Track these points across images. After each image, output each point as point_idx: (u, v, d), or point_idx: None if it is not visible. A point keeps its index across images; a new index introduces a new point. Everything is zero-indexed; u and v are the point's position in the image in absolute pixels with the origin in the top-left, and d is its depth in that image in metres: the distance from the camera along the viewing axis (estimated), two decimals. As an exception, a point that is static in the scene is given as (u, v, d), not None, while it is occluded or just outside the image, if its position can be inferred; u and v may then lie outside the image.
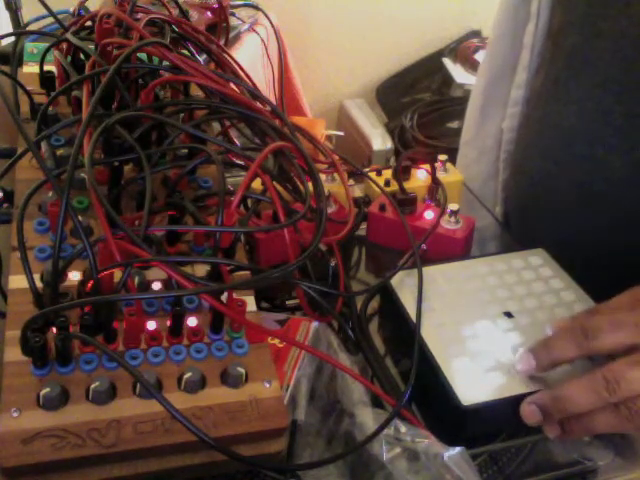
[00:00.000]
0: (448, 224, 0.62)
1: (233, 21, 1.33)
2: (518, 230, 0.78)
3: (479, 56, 2.01)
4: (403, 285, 0.55)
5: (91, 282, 0.42)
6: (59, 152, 0.53)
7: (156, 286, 0.47)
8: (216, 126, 0.65)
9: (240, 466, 0.43)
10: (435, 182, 0.66)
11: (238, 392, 0.42)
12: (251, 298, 0.49)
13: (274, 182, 0.50)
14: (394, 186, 0.66)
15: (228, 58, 0.63)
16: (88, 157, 0.43)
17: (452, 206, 0.62)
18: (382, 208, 0.64)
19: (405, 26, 2.13)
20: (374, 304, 0.58)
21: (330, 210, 0.62)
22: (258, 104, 0.56)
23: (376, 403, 0.47)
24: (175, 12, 0.71)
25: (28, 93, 0.60)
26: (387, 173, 0.69)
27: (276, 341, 0.49)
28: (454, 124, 1.87)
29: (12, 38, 0.80)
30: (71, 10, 0.70)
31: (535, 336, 0.51)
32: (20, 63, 0.68)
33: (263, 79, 1.42)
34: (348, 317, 0.55)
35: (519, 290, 0.55)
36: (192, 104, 0.57)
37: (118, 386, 0.41)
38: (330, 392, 0.48)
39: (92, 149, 0.44)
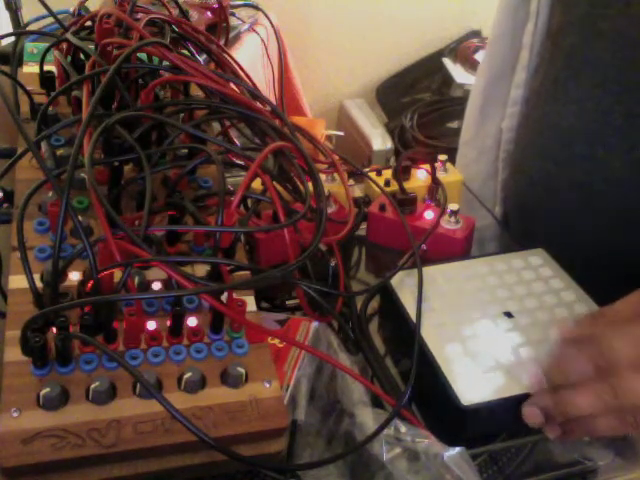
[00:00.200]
0: (448, 224, 0.62)
1: (233, 21, 1.33)
2: (517, 230, 0.78)
3: (479, 56, 2.01)
4: (403, 285, 0.55)
5: (91, 282, 0.42)
6: (59, 152, 0.53)
7: (156, 286, 0.47)
8: (216, 126, 0.65)
9: (240, 466, 0.43)
10: (435, 182, 0.66)
11: (238, 392, 0.42)
12: (251, 298, 0.49)
13: (274, 182, 0.50)
14: (394, 186, 0.66)
15: (228, 58, 0.63)
16: (88, 157, 0.43)
17: (452, 206, 0.62)
18: (382, 208, 0.64)
19: (405, 26, 2.13)
20: (374, 304, 0.58)
21: (330, 210, 0.62)
22: (258, 104, 0.56)
23: (376, 403, 0.47)
24: (175, 12, 0.71)
25: (28, 93, 0.60)
26: (387, 173, 0.69)
27: (276, 341, 0.49)
28: (454, 124, 1.87)
29: (12, 38, 0.80)
30: (71, 10, 0.70)
31: (535, 336, 0.51)
32: (20, 63, 0.68)
33: (263, 79, 1.42)
34: (348, 317, 0.55)
35: (519, 290, 0.55)
36: (192, 104, 0.57)
37: (118, 386, 0.41)
38: (330, 392, 0.48)
39: (92, 149, 0.44)
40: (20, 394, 0.40)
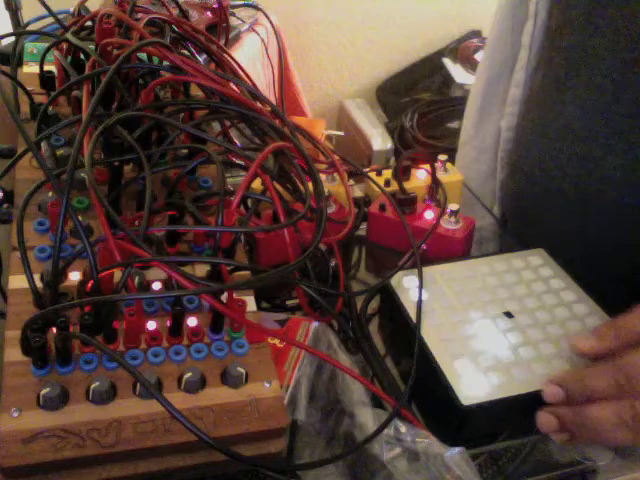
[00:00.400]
0: (448, 224, 0.62)
1: (233, 21, 1.33)
2: (515, 229, 0.78)
3: (479, 56, 2.01)
4: (403, 285, 0.55)
5: (91, 282, 0.42)
6: (59, 152, 0.53)
7: (156, 286, 0.47)
8: (216, 126, 0.65)
9: (240, 466, 0.43)
10: (435, 182, 0.66)
11: (238, 392, 0.42)
12: (251, 298, 0.49)
13: (274, 182, 0.50)
14: (394, 186, 0.66)
15: (228, 58, 0.63)
16: (88, 157, 0.43)
17: (452, 206, 0.62)
18: (382, 208, 0.64)
19: (405, 26, 2.13)
20: (374, 304, 0.58)
21: (330, 210, 0.62)
22: (258, 104, 0.56)
23: (376, 403, 0.47)
24: (175, 12, 0.71)
25: (28, 93, 0.60)
26: (387, 173, 0.69)
27: (276, 341, 0.49)
28: (454, 124, 1.87)
29: (12, 38, 0.80)
30: (71, 10, 0.70)
31: (535, 336, 0.51)
32: (20, 63, 0.68)
33: (263, 79, 1.42)
34: (348, 317, 0.55)
35: (519, 290, 0.55)
36: (192, 104, 0.57)
37: (118, 386, 0.41)
38: (330, 392, 0.48)
39: (92, 149, 0.44)
40: (20, 394, 0.40)
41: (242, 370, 0.43)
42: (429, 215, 0.64)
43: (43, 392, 0.39)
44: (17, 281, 0.45)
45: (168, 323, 0.44)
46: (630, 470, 0.46)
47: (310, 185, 0.51)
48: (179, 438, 0.39)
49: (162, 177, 0.55)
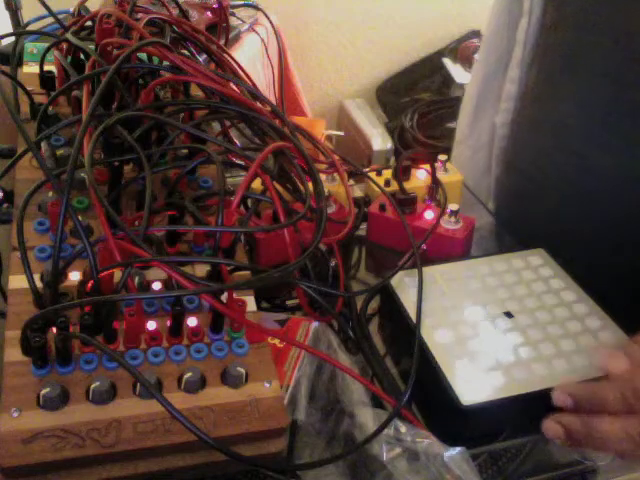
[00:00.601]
0: (448, 224, 0.62)
1: (233, 21, 1.33)
2: (509, 226, 0.78)
3: (479, 56, 2.01)
4: (403, 285, 0.55)
5: (91, 282, 0.42)
6: (59, 152, 0.53)
7: (156, 286, 0.47)
8: (216, 126, 0.65)
9: (240, 466, 0.43)
10: (435, 182, 0.66)
11: (238, 392, 0.42)
12: (251, 298, 0.49)
13: (274, 182, 0.50)
14: (394, 186, 0.66)
15: (228, 58, 0.63)
16: (88, 157, 0.43)
17: (452, 206, 0.62)
18: (382, 208, 0.64)
19: (405, 26, 2.13)
20: (374, 304, 0.58)
21: (330, 210, 0.62)
22: (258, 104, 0.56)
23: (376, 403, 0.47)
24: (175, 12, 0.71)
25: (28, 93, 0.60)
26: (387, 173, 0.69)
27: (276, 341, 0.49)
28: (454, 124, 1.87)
29: (12, 38, 0.80)
30: (71, 10, 0.70)
31: (535, 336, 0.51)
32: (20, 63, 0.68)
33: (263, 79, 1.42)
34: (348, 317, 0.55)
35: (519, 290, 0.55)
36: (192, 104, 0.57)
37: (118, 386, 0.41)
38: (330, 392, 0.48)
39: (92, 149, 0.44)
40: (20, 394, 0.40)
41: (242, 370, 0.43)
42: (429, 215, 0.64)
43: (43, 392, 0.39)
44: (17, 281, 0.45)
45: (168, 323, 0.44)
46: (630, 470, 0.46)
47: (310, 185, 0.51)
48: (179, 438, 0.39)
49: (162, 177, 0.55)
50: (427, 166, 0.67)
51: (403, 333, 0.53)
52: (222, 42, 0.76)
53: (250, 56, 1.37)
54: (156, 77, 0.57)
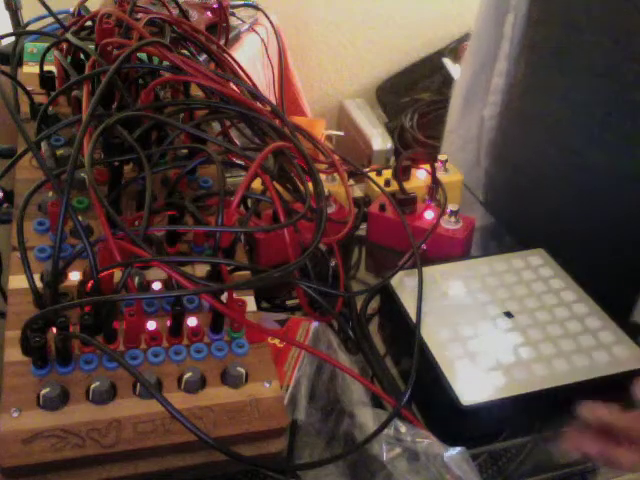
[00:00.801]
0: (448, 224, 0.62)
1: (233, 21, 1.32)
2: (499, 217, 0.79)
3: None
4: (403, 285, 0.55)
5: (91, 282, 0.42)
6: (59, 152, 0.53)
7: (156, 286, 0.47)
8: (216, 126, 0.65)
9: (240, 466, 0.43)
10: (435, 182, 0.66)
11: (238, 392, 0.42)
12: (251, 298, 0.49)
13: (274, 182, 0.50)
14: (394, 186, 0.66)
15: (228, 58, 0.63)
16: (88, 157, 0.43)
17: (452, 206, 0.62)
18: (382, 208, 0.64)
19: (405, 26, 2.13)
20: (374, 304, 0.58)
21: (330, 210, 0.62)
22: (258, 104, 0.56)
23: (376, 403, 0.47)
24: (175, 12, 0.71)
25: (28, 93, 0.60)
26: (387, 173, 0.69)
27: (276, 341, 0.49)
28: (454, 124, 1.87)
29: (12, 38, 0.80)
30: (71, 10, 0.70)
31: (535, 336, 0.51)
32: (20, 63, 0.68)
33: (263, 79, 1.42)
34: (348, 317, 0.55)
35: (519, 290, 0.55)
36: (192, 104, 0.57)
37: (118, 386, 0.41)
38: (330, 392, 0.48)
39: (92, 149, 0.44)
40: (20, 394, 0.40)
41: (242, 370, 0.43)
42: (429, 215, 0.64)
43: (43, 392, 0.39)
44: (17, 281, 0.45)
45: (168, 323, 0.44)
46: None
47: (310, 185, 0.51)
48: (179, 438, 0.39)
49: (162, 177, 0.55)
50: (427, 166, 0.67)
51: (403, 333, 0.53)
52: (222, 42, 0.76)
53: (250, 56, 1.36)
54: (156, 77, 0.57)
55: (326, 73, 2.17)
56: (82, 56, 0.59)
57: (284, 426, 0.42)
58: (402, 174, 0.66)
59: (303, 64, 2.01)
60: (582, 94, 0.66)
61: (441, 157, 0.71)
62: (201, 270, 0.49)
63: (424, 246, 0.60)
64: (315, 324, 0.52)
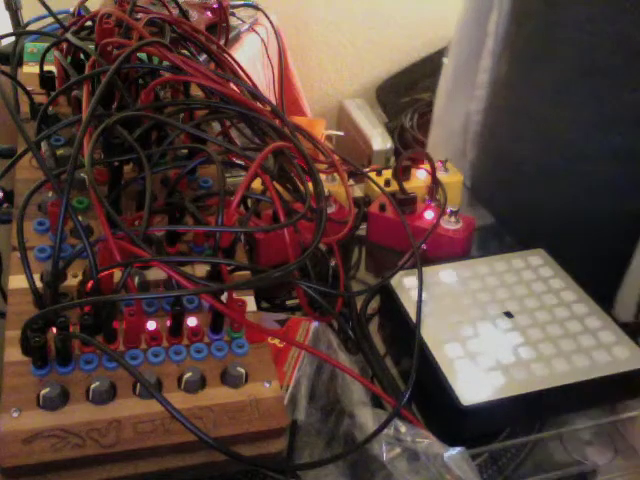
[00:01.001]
0: (448, 224, 0.62)
1: (233, 21, 1.32)
2: (508, 226, 0.80)
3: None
4: (403, 285, 0.55)
5: (91, 282, 0.42)
6: (59, 152, 0.53)
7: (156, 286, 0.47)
8: (216, 126, 0.65)
9: (240, 466, 0.43)
10: (435, 182, 0.66)
11: (238, 392, 0.42)
12: (251, 298, 0.49)
13: (274, 182, 0.50)
14: (394, 186, 0.66)
15: (228, 58, 0.63)
16: (88, 157, 0.43)
17: (452, 206, 0.62)
18: (382, 208, 0.64)
19: (405, 26, 2.13)
20: (374, 304, 0.58)
21: (330, 210, 0.62)
22: (258, 104, 0.56)
23: (376, 403, 0.47)
24: (175, 12, 0.71)
25: (28, 93, 0.60)
26: (387, 173, 0.69)
27: (276, 341, 0.49)
28: (454, 124, 1.87)
29: (12, 38, 0.80)
30: (71, 10, 0.70)
31: (535, 336, 0.51)
32: (20, 63, 0.68)
33: (263, 79, 1.42)
34: (348, 317, 0.55)
35: (519, 290, 0.55)
36: (192, 104, 0.57)
37: (118, 386, 0.41)
38: (330, 392, 0.48)
39: (92, 149, 0.44)
40: (20, 394, 0.40)
41: (242, 370, 0.43)
42: (429, 215, 0.64)
43: (43, 392, 0.39)
44: (17, 281, 0.45)
45: (168, 323, 0.44)
46: (630, 470, 0.46)
47: (310, 185, 0.51)
48: (179, 438, 0.39)
49: (162, 177, 0.55)
50: (427, 166, 0.67)
51: (403, 333, 0.53)
52: (222, 42, 0.76)
53: (250, 56, 1.36)
54: (156, 77, 0.57)
55: (326, 73, 2.17)
56: (82, 56, 0.59)
57: (284, 426, 0.42)
58: (402, 174, 0.66)
59: (303, 64, 2.01)
60: (565, 89, 0.68)
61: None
62: (201, 270, 0.49)
63: (424, 246, 0.60)
64: (315, 324, 0.52)
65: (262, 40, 1.38)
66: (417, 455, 0.42)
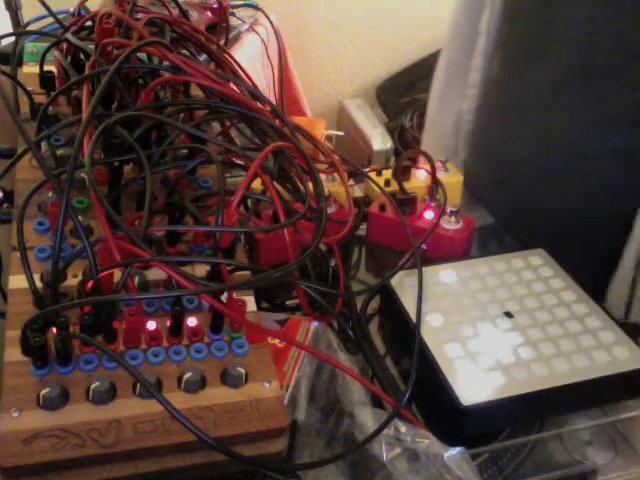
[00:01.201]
0: (448, 224, 0.62)
1: (233, 21, 1.32)
2: (508, 226, 0.80)
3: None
4: (403, 285, 0.55)
5: (91, 282, 0.42)
6: (59, 152, 0.53)
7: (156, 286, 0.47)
8: (216, 126, 0.65)
9: (240, 466, 0.43)
10: (435, 182, 0.66)
11: (238, 392, 0.42)
12: (251, 298, 0.49)
13: (274, 182, 0.50)
14: (394, 186, 0.66)
15: (228, 58, 0.63)
16: (88, 157, 0.43)
17: (452, 206, 0.62)
18: (382, 208, 0.64)
19: (405, 26, 2.13)
20: (374, 304, 0.58)
21: (330, 210, 0.62)
22: (258, 104, 0.56)
23: (376, 403, 0.47)
24: (175, 12, 0.71)
25: (28, 93, 0.60)
26: (387, 173, 0.69)
27: (276, 341, 0.49)
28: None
29: (12, 38, 0.80)
30: (71, 10, 0.70)
31: (535, 336, 0.51)
32: (20, 63, 0.68)
33: (263, 79, 1.42)
34: (348, 317, 0.55)
35: (519, 290, 0.55)
36: (192, 104, 0.57)
37: (118, 386, 0.41)
38: (330, 392, 0.48)
39: (92, 149, 0.44)
40: (20, 394, 0.40)
41: (242, 370, 0.43)
42: (429, 215, 0.64)
43: (43, 392, 0.39)
44: (17, 281, 0.45)
45: (168, 323, 0.44)
46: (630, 470, 0.46)
47: (310, 185, 0.51)
48: (179, 438, 0.39)
49: (162, 177, 0.55)
50: (427, 166, 0.67)
51: (403, 333, 0.53)
52: (222, 42, 0.76)
53: (250, 56, 1.36)
54: (156, 77, 0.57)
55: (326, 73, 2.17)
56: (82, 56, 0.59)
57: (284, 426, 0.42)
58: (402, 174, 0.66)
59: (303, 64, 2.01)
60: (562, 89, 0.68)
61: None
62: (201, 270, 0.49)
63: (424, 246, 0.60)
64: (315, 324, 0.52)
65: (262, 40, 1.38)
66: (417, 455, 0.42)
